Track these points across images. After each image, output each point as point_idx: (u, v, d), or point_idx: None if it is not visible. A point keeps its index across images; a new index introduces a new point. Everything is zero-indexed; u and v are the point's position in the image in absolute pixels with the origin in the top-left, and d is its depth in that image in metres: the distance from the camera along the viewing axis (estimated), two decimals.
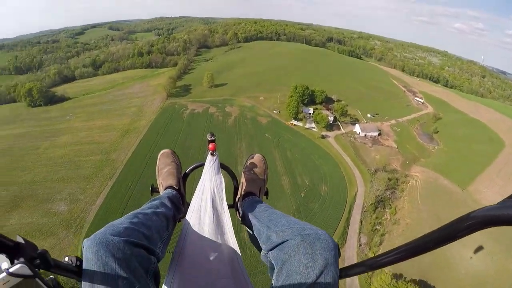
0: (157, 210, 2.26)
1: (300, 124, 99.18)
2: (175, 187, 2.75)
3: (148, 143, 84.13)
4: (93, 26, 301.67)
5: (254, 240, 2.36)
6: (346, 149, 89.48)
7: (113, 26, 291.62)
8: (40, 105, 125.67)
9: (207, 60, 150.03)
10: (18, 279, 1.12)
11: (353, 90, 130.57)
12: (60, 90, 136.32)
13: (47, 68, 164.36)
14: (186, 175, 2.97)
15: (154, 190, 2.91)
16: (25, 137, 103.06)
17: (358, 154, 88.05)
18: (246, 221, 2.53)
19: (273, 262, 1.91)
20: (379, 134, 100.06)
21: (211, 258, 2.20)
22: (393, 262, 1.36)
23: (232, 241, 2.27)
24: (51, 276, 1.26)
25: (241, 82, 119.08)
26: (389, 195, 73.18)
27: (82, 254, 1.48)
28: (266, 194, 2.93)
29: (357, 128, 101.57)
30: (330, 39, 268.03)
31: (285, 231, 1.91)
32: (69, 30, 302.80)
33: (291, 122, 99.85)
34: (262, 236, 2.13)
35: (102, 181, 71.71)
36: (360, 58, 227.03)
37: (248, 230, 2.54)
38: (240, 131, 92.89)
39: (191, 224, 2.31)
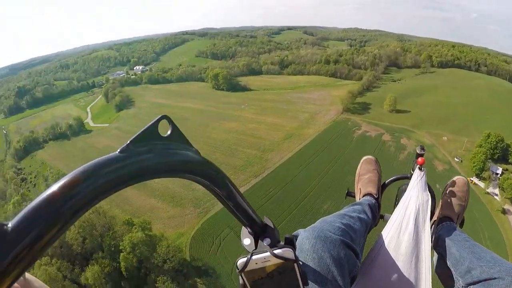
0: (361, 215, 2.28)
1: (481, 184, 72.49)
2: (375, 195, 2.73)
3: (307, 154, 79.11)
4: (289, 28, 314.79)
5: (443, 268, 2.30)
6: None
7: (308, 30, 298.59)
8: (223, 90, 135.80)
9: (395, 81, 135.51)
10: (277, 261, 1.15)
11: None
12: (244, 80, 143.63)
13: (239, 59, 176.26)
14: (385, 186, 2.92)
15: (350, 194, 2.95)
16: (201, 113, 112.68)
17: None
18: (439, 247, 2.41)
19: None
20: None
21: (400, 277, 2.12)
22: None
23: (426, 265, 2.13)
24: (301, 262, 1.25)
25: (426, 113, 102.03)
26: None
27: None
28: (462, 223, 2.73)
29: None
30: None
31: (492, 267, 1.84)
32: (267, 29, 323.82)
33: (471, 179, 72.52)
34: (461, 267, 2.08)
35: (247, 177, 70.83)
36: None
37: (437, 256, 2.46)
38: (409, 170, 77.13)
39: (388, 238, 2.22)
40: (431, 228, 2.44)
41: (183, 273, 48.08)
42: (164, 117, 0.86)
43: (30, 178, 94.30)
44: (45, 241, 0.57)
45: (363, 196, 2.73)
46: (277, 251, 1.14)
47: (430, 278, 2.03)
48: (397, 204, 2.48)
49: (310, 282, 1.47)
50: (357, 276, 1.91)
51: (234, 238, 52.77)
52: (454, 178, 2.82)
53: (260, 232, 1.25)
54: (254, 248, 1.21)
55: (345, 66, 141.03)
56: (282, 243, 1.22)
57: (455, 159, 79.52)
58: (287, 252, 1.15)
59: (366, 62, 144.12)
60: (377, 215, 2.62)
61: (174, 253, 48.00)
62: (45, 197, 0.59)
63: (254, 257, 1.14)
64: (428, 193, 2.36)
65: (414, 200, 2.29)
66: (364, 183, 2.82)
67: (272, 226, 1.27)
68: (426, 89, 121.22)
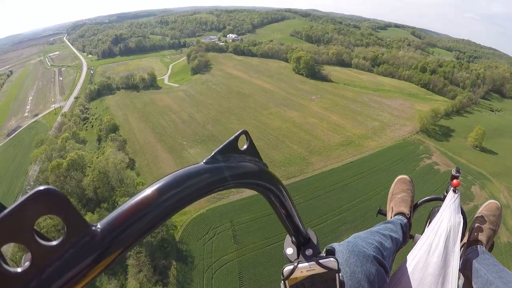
0: (392, 234, 2.35)
1: None
2: (407, 215, 2.80)
3: (357, 169, 68.61)
4: (397, 26, 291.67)
5: None
6: None
7: (416, 32, 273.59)
8: (302, 74, 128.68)
9: (492, 110, 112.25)
10: (321, 270, 1.19)
11: None
12: (328, 69, 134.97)
13: (331, 46, 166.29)
14: (417, 206, 2.99)
15: (381, 212, 3.07)
16: (268, 94, 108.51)
17: None
18: (466, 270, 2.48)
19: None
20: None
21: None
22: None
23: (452, 287, 2.15)
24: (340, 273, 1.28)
25: None
26: None
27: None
28: (492, 247, 2.79)
29: None
30: None
31: None
32: (375, 21, 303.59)
33: None
34: None
35: (279, 176, 62.93)
36: None
37: (464, 280, 2.53)
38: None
39: (417, 258, 2.23)
40: (460, 250, 2.41)
41: (166, 250, 47.85)
42: (244, 132, 0.94)
43: (92, 119, 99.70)
44: (128, 244, 0.61)
45: (395, 215, 2.79)
46: (322, 261, 1.20)
47: None
48: (428, 225, 2.58)
49: None
50: None
51: (228, 235, 51.36)
52: (487, 202, 2.88)
53: (303, 242, 1.28)
54: (296, 257, 1.25)
55: (441, 79, 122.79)
56: (323, 254, 1.29)
57: None
58: (331, 262, 1.20)
59: (467, 80, 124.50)
60: (407, 234, 2.66)
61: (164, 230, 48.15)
62: (138, 200, 0.64)
63: (300, 265, 1.19)
64: (461, 215, 2.41)
65: (446, 221, 2.32)
66: (396, 202, 2.88)
67: (315, 238, 1.33)
68: None
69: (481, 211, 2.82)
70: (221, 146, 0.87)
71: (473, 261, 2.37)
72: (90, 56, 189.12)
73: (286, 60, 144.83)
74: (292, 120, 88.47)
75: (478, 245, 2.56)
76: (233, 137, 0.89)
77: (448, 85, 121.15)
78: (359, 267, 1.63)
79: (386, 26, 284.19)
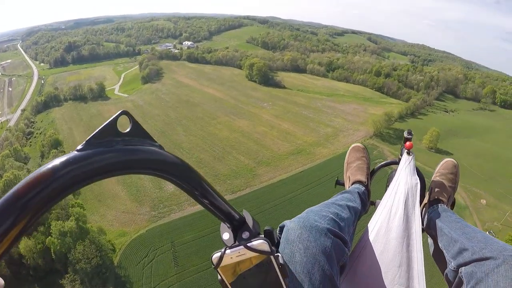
0: (349, 203, 2.30)
1: None
2: (364, 183, 2.76)
3: (307, 179, 64.67)
4: (354, 32, 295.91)
5: (436, 251, 2.38)
6: None
7: (372, 37, 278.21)
8: (255, 81, 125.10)
9: (447, 111, 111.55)
10: (252, 254, 1.14)
11: None
12: (282, 76, 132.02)
13: (287, 52, 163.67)
14: (373, 172, 2.95)
15: (339, 183, 2.97)
16: (217, 102, 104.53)
17: None
18: (431, 230, 2.48)
19: (463, 278, 1.87)
20: None
21: (391, 262, 2.13)
22: None
23: (417, 247, 2.15)
24: (278, 254, 1.22)
25: (471, 162, 77.41)
26: None
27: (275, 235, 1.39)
28: (453, 204, 2.77)
29: None
30: None
31: (483, 247, 1.85)
32: (332, 28, 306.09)
33: None
34: (452, 249, 2.10)
35: (222, 189, 59.06)
36: None
37: (431, 240, 2.54)
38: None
39: (378, 224, 2.24)
40: (422, 211, 2.53)
41: (104, 276, 44.82)
42: (124, 112, 0.85)
43: (36, 133, 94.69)
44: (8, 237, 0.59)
45: (352, 184, 2.76)
46: (250, 244, 1.13)
47: (422, 259, 2.05)
48: (386, 190, 2.53)
49: (298, 272, 1.48)
50: (347, 264, 1.93)
51: (169, 258, 47.77)
52: (443, 161, 2.86)
53: (239, 226, 1.21)
54: (233, 242, 1.18)
55: (395, 82, 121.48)
56: (262, 235, 1.21)
57: (487, 232, 60.17)
58: (261, 244, 1.13)
59: (421, 82, 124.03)
60: (367, 202, 2.66)
61: (94, 253, 44.87)
62: (11, 193, 0.62)
63: (228, 251, 1.13)
64: (417, 176, 2.40)
65: (403, 184, 2.31)
66: (353, 171, 2.86)
67: (251, 219, 1.25)
68: (479, 131, 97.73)
69: (438, 170, 2.79)
70: (96, 131, 0.79)
71: (436, 220, 2.36)
72: (42, 64, 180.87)
73: (240, 67, 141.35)
74: (241, 130, 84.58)
75: (440, 204, 2.54)
76: (111, 118, 0.82)
77: (402, 88, 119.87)
78: (313, 242, 1.60)
79: (343, 32, 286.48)
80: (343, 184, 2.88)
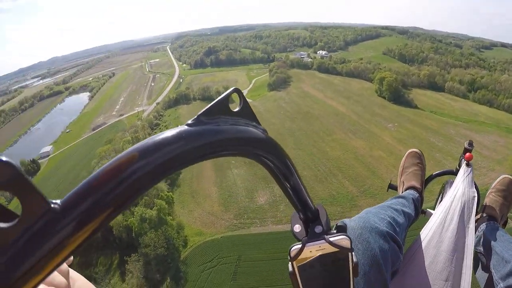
0: (404, 209, 2.29)
1: None
2: (418, 189, 2.72)
3: (415, 224, 54.84)
4: (504, 45, 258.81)
5: (481, 271, 2.41)
6: None
7: None
8: (384, 97, 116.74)
9: None
10: (332, 249, 1.10)
11: None
12: (415, 93, 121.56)
13: (425, 67, 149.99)
14: (429, 180, 2.94)
15: (392, 187, 2.99)
16: (337, 116, 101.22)
17: None
18: (480, 247, 2.45)
19: None
20: None
21: (439, 275, 2.09)
22: None
23: (467, 264, 2.12)
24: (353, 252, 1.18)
25: None
26: None
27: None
28: (505, 223, 2.72)
29: None
30: None
31: None
32: (480, 40, 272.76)
33: None
34: (503, 269, 2.07)
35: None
36: None
37: (477, 258, 2.50)
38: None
39: (430, 234, 2.21)
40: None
41: (168, 266, 47.57)
42: (236, 90, 0.82)
43: (162, 126, 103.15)
44: (98, 222, 0.50)
45: (406, 190, 2.71)
46: (333, 239, 1.10)
47: (470, 277, 2.01)
48: (441, 199, 2.55)
49: None
50: (398, 270, 1.93)
51: (230, 270, 46.63)
52: (500, 177, 2.81)
53: (312, 219, 1.17)
54: (304, 235, 1.14)
55: None
56: (334, 231, 1.18)
57: None
58: (343, 240, 1.11)
59: None
60: (419, 209, 2.61)
61: (162, 244, 47.87)
62: (105, 171, 0.52)
63: (308, 244, 1.10)
64: (475, 190, 2.35)
65: (460, 196, 2.27)
66: (408, 176, 2.81)
67: (325, 214, 1.21)
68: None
69: (494, 185, 2.74)
70: (207, 107, 0.75)
71: (488, 238, 2.29)
72: (184, 65, 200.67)
73: (371, 81, 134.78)
74: (355, 151, 77.56)
75: (492, 221, 2.49)
76: (223, 95, 0.77)
77: None
78: (373, 243, 1.58)
79: (491, 45, 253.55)
80: (395, 188, 2.94)
